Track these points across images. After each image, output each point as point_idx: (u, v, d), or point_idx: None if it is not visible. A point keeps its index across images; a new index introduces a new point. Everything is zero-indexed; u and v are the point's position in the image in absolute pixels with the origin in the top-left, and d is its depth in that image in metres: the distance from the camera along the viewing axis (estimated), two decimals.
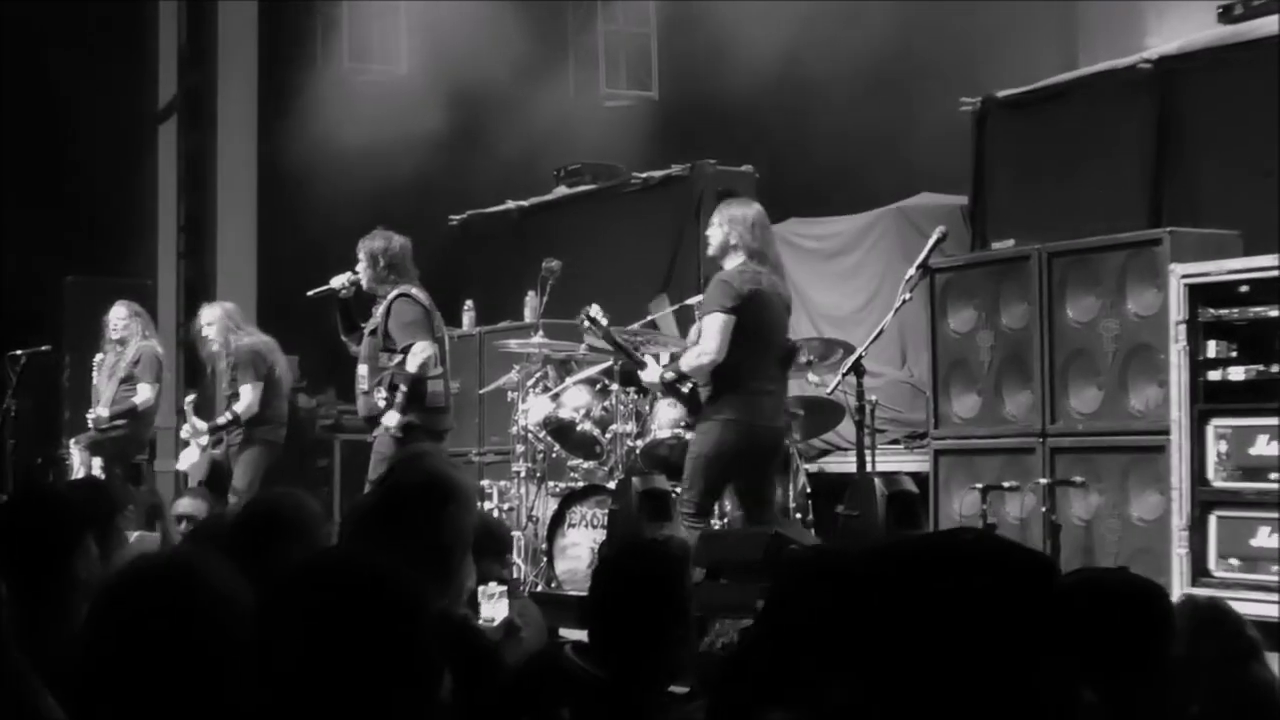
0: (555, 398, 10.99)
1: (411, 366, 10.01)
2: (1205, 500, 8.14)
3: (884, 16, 13.80)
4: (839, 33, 13.72)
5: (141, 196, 16.40)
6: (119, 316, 12.95)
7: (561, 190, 15.80)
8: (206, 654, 2.74)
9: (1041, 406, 9.16)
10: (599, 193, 15.19)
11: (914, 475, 9.68)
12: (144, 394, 12.81)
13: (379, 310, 10.25)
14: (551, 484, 11.11)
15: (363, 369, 10.30)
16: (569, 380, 11.10)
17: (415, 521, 4.42)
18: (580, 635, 4.62)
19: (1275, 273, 7.84)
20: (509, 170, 15.98)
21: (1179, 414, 8.21)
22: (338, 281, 10.41)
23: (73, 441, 13.17)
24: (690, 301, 11.89)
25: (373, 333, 10.24)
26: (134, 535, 10.08)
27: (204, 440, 12.16)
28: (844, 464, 11.48)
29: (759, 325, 9.18)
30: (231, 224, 16.28)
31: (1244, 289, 7.99)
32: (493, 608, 6.06)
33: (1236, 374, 8.04)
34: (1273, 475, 7.84)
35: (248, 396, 11.91)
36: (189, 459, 12.29)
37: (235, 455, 11.99)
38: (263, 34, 16.51)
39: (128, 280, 15.37)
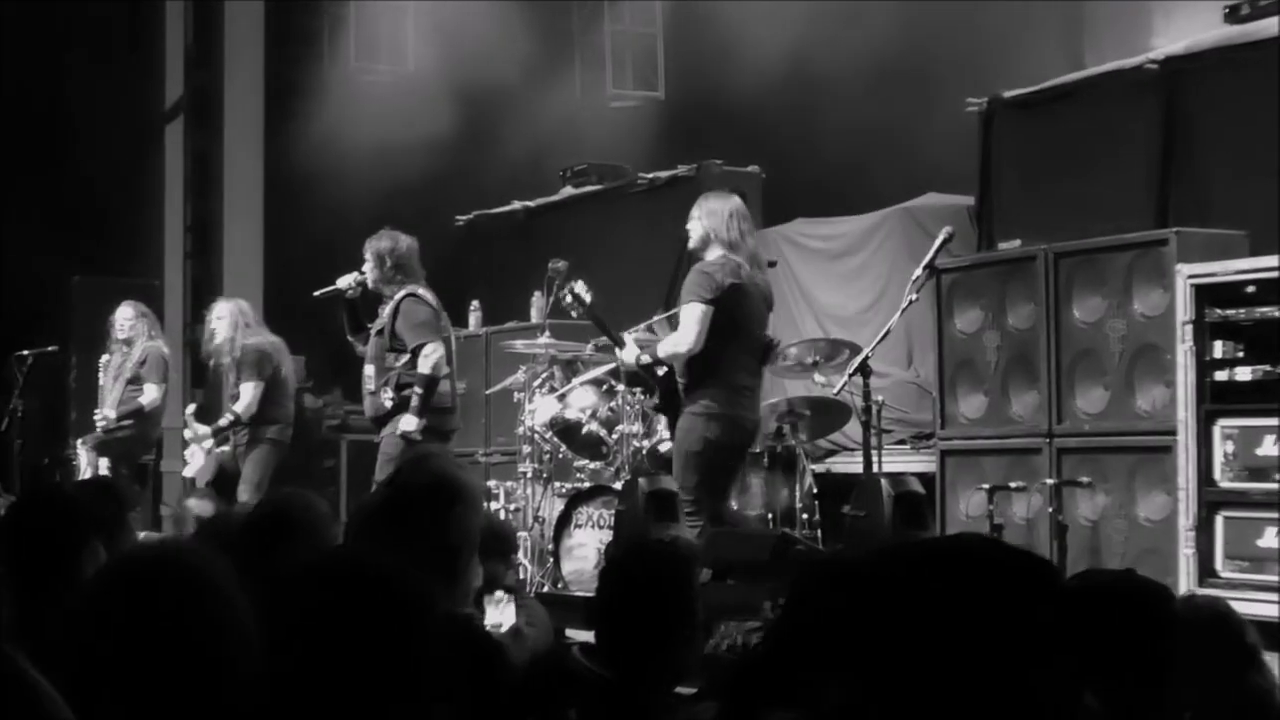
0: (562, 398, 10.99)
1: (425, 368, 10.01)
2: (1212, 501, 8.14)
3: (890, 16, 13.79)
4: (845, 32, 13.71)
5: (148, 197, 16.41)
6: (125, 317, 12.95)
7: (568, 190, 15.81)
8: (199, 646, 2.74)
9: (1048, 407, 9.16)
10: (605, 193, 15.19)
11: (920, 476, 9.67)
12: (150, 394, 12.81)
13: (386, 310, 10.24)
14: (558, 485, 11.11)
15: (369, 369, 10.29)
16: (575, 381, 11.09)
17: (422, 522, 4.42)
18: (587, 636, 4.62)
19: None
20: (515, 170, 15.99)
21: (1185, 414, 8.20)
22: (344, 282, 10.41)
23: (79, 442, 13.18)
24: None
25: (379, 333, 10.23)
26: (140, 535, 10.13)
27: (207, 445, 12.14)
28: (850, 464, 11.46)
29: (737, 318, 9.20)
30: (238, 224, 16.29)
31: (1250, 289, 7.98)
32: (499, 613, 6.07)
33: (1243, 374, 8.04)
34: (1278, 476, 7.84)
35: (247, 395, 11.89)
36: (194, 465, 12.29)
37: (242, 456, 11.98)
38: (269, 34, 16.52)
39: (134, 280, 15.38)
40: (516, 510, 11.41)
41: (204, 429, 12.16)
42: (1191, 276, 8.19)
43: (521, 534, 10.86)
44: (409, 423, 9.95)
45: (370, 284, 10.35)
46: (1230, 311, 8.06)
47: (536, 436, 11.30)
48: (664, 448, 10.38)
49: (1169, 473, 8.40)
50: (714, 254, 9.26)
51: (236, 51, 16.38)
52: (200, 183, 16.45)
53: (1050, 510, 8.96)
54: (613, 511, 10.09)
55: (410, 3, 16.61)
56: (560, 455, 11.23)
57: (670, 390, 9.33)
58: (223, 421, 12.00)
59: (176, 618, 2.74)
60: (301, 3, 16.79)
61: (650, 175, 14.97)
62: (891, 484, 9.10)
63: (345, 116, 15.46)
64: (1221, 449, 8.11)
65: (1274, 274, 7.87)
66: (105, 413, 12.77)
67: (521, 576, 10.55)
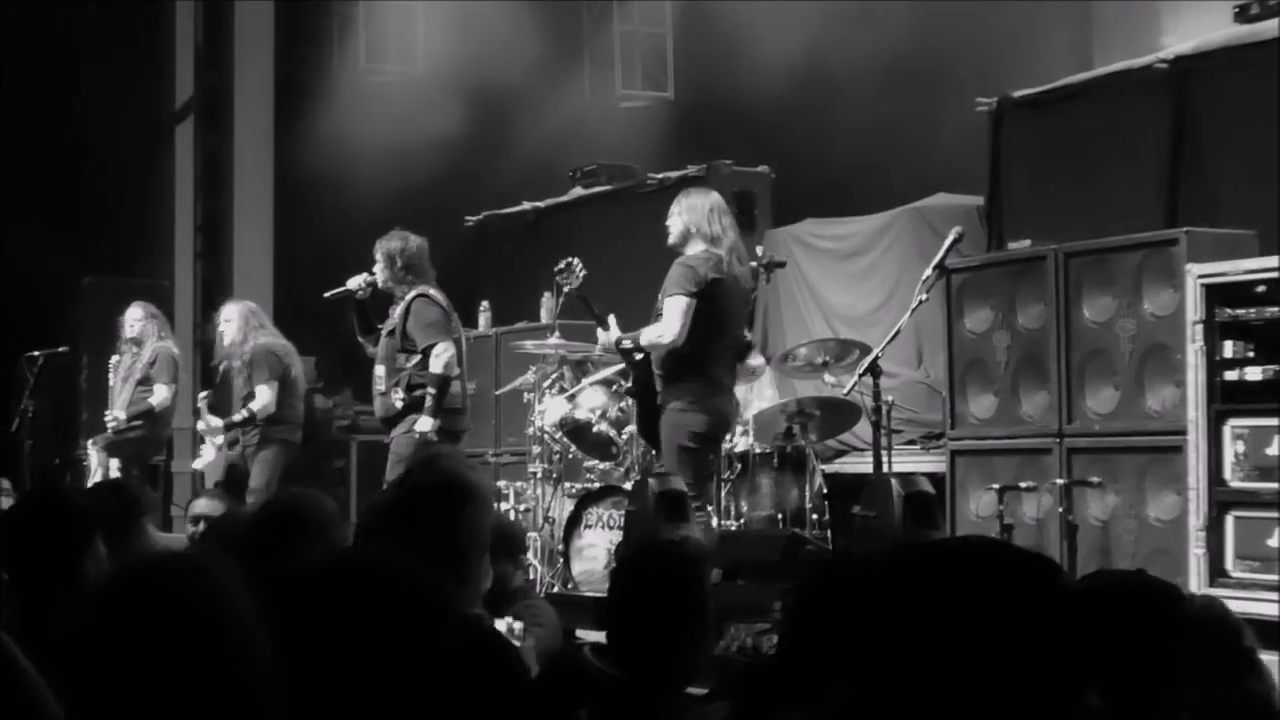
0: (571, 399, 10.99)
1: (436, 368, 10.01)
2: (1222, 500, 8.12)
3: (899, 17, 13.80)
4: (855, 33, 13.72)
5: (158, 197, 16.42)
6: (134, 317, 12.97)
7: (577, 191, 15.81)
8: (201, 653, 2.74)
9: (1058, 407, 9.15)
10: (615, 194, 15.20)
11: (930, 476, 9.67)
12: (160, 395, 12.82)
13: (396, 311, 10.24)
14: (568, 485, 11.11)
15: (380, 370, 10.29)
16: (585, 381, 11.10)
17: (432, 522, 4.42)
18: (597, 637, 4.62)
19: None
20: (525, 171, 16.00)
21: (1196, 414, 8.19)
22: (354, 282, 10.41)
23: (90, 442, 13.19)
24: None
25: (390, 333, 10.23)
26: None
27: (220, 439, 12.14)
28: (860, 464, 11.46)
29: (718, 314, 9.24)
30: (248, 225, 16.29)
31: (1261, 289, 7.97)
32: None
33: (1254, 374, 8.02)
34: None
35: (265, 396, 11.89)
36: (205, 459, 12.30)
37: (251, 456, 11.98)
38: (279, 34, 16.52)
39: (145, 281, 15.39)
40: (526, 511, 11.41)
41: (216, 421, 12.15)
42: (1201, 276, 8.18)
43: (531, 534, 10.87)
44: (424, 423, 9.95)
45: (380, 285, 10.35)
46: (1240, 311, 8.05)
47: (546, 437, 11.31)
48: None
49: (1179, 473, 8.39)
50: (695, 248, 9.29)
51: (246, 52, 16.37)
52: (210, 183, 16.45)
53: (1060, 510, 8.95)
54: (623, 512, 10.09)
55: (420, 3, 16.62)
56: (570, 456, 11.24)
57: (645, 376, 9.37)
58: (237, 417, 11.98)
59: (179, 625, 2.74)
60: (311, 3, 16.80)
61: (660, 175, 14.97)
62: (902, 484, 9.11)
63: (355, 117, 15.48)
64: (1232, 449, 8.11)
65: None
66: (115, 414, 12.78)
67: (531, 577, 10.56)
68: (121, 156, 15.75)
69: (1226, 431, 8.12)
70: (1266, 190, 9.56)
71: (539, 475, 11.36)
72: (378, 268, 10.33)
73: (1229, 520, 8.12)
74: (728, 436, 10.24)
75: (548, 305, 12.49)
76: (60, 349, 13.57)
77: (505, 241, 16.46)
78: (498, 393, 13.04)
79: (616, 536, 10.18)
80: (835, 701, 3.57)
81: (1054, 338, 9.17)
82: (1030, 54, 13.30)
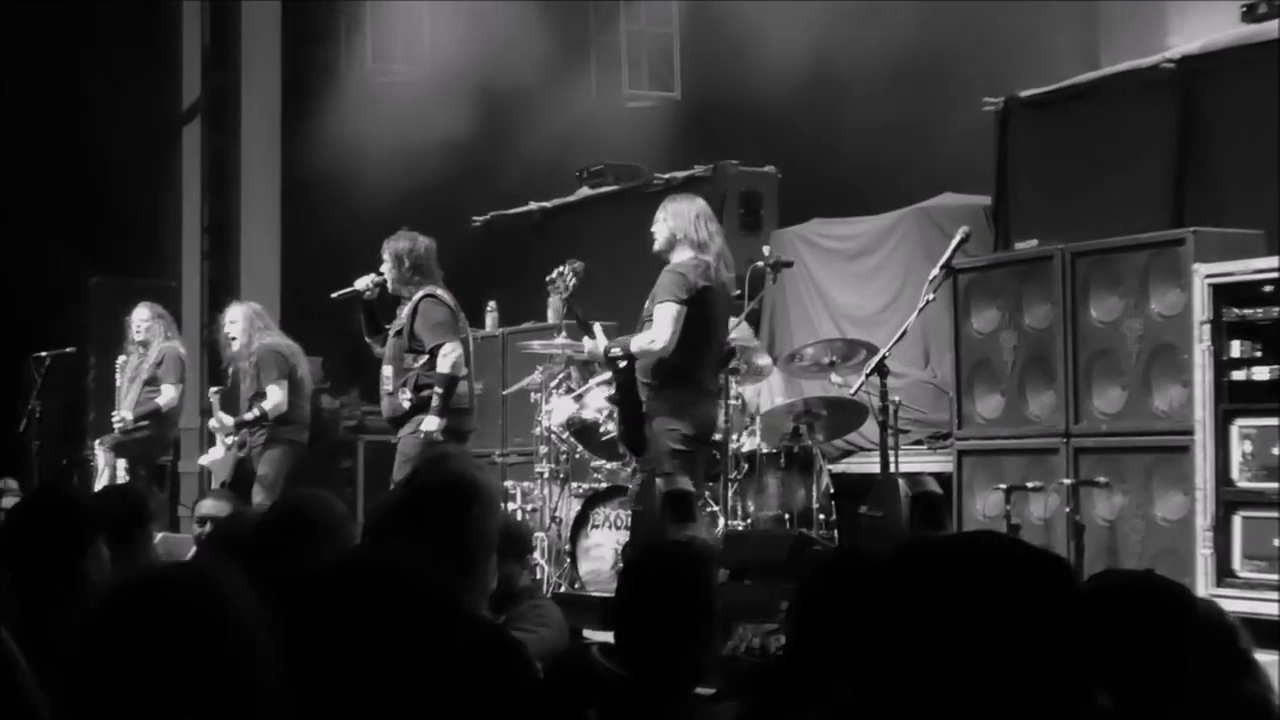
0: (578, 399, 10.98)
1: (444, 368, 10.01)
2: (1229, 500, 8.12)
3: (906, 17, 13.79)
4: (861, 33, 13.71)
5: (166, 198, 16.45)
6: (141, 318, 12.98)
7: (584, 191, 15.82)
8: (204, 664, 2.75)
9: (1065, 407, 9.15)
10: (622, 194, 15.19)
11: (937, 476, 9.67)
12: (168, 395, 12.83)
13: (404, 311, 10.25)
14: (575, 485, 11.11)
15: (387, 370, 10.30)
16: (592, 381, 11.08)
17: (439, 522, 4.42)
18: (604, 637, 4.62)
19: None
20: (532, 171, 16.01)
21: (1203, 414, 8.19)
22: (362, 283, 10.42)
23: (97, 443, 13.21)
24: None
25: (398, 334, 10.24)
26: (159, 536, 10.15)
27: (230, 438, 12.15)
28: (867, 464, 11.45)
29: (707, 321, 9.32)
30: (255, 225, 16.32)
31: (1268, 288, 7.98)
32: None
33: (1261, 374, 8.03)
34: None
35: (276, 395, 11.89)
36: (214, 456, 12.31)
37: (258, 456, 11.98)
38: (286, 35, 16.55)
39: (152, 281, 15.41)
40: (533, 511, 11.41)
41: (229, 419, 12.15)
42: (1209, 276, 8.18)
43: (538, 534, 10.87)
44: (431, 423, 9.96)
45: (388, 285, 10.35)
46: (1248, 311, 8.05)
47: (553, 437, 11.30)
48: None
49: (1186, 472, 8.39)
50: (682, 255, 9.35)
51: (253, 53, 16.40)
52: (217, 183, 16.48)
53: (1067, 510, 8.95)
54: (629, 512, 10.10)
55: (426, 3, 16.63)
56: (577, 455, 11.23)
57: (628, 384, 9.40)
58: (248, 416, 11.98)
59: (181, 638, 2.74)
60: (318, 4, 16.82)
61: (666, 176, 14.98)
62: (909, 484, 9.11)
63: (362, 117, 15.50)
64: (1239, 449, 8.11)
65: None
66: (122, 414, 12.79)
67: (538, 577, 10.56)
68: (129, 157, 15.77)
69: (1234, 431, 8.13)
70: (1273, 190, 9.54)
71: (546, 475, 11.36)
72: (385, 268, 10.34)
73: (1236, 520, 8.12)
74: (734, 436, 10.30)
75: (554, 305, 12.49)
76: (67, 350, 13.59)
77: (512, 242, 16.46)
78: (505, 393, 13.04)
79: (623, 536, 10.18)
80: (842, 700, 3.58)
81: (1061, 338, 9.18)
82: (1037, 54, 13.28)
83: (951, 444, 10.08)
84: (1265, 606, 7.56)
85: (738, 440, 10.56)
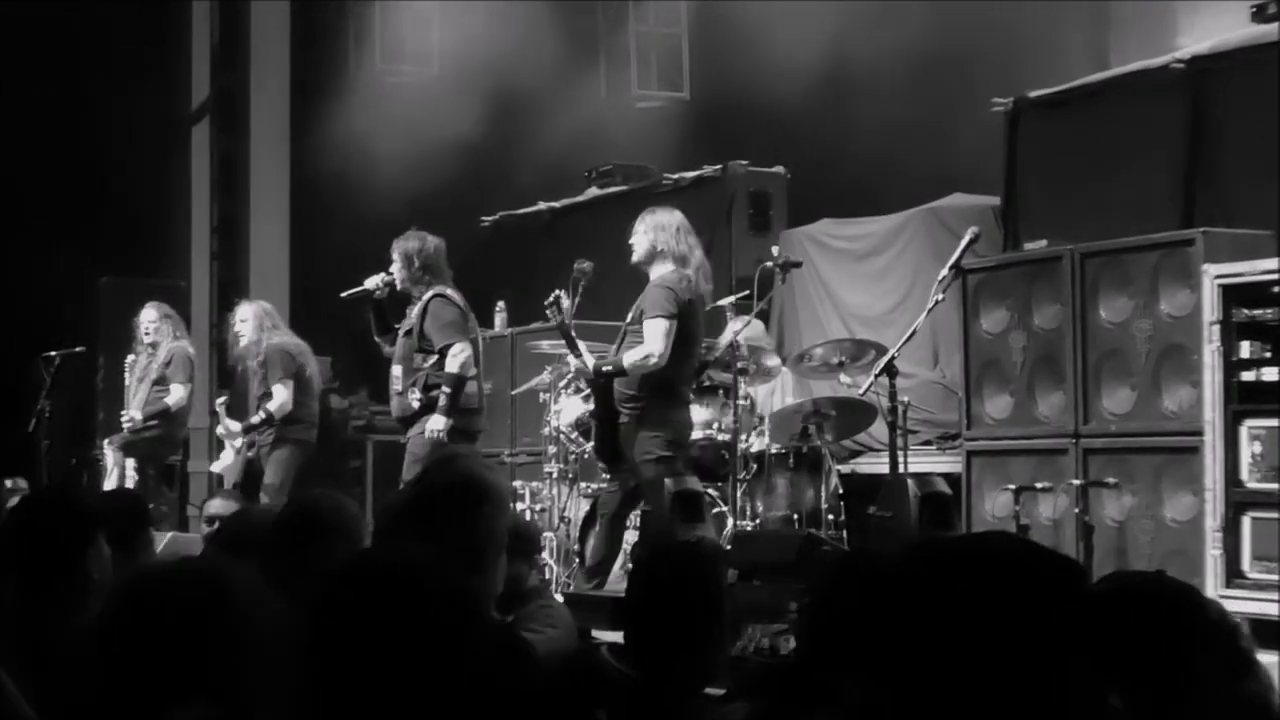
0: (587, 399, 10.99)
1: (453, 367, 10.03)
2: (1239, 501, 8.11)
3: (915, 17, 13.78)
4: (870, 33, 13.71)
5: (175, 198, 16.45)
6: (149, 319, 12.99)
7: (593, 191, 15.82)
8: (226, 655, 2.75)
9: (1074, 407, 9.14)
10: (631, 194, 15.18)
11: (946, 476, 9.66)
12: (176, 394, 12.85)
13: (414, 311, 10.26)
14: (583, 485, 11.11)
15: (397, 370, 10.31)
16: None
17: (448, 522, 4.42)
18: (613, 636, 4.62)
19: None
20: (541, 171, 16.02)
21: (1213, 415, 8.18)
22: (372, 282, 10.43)
23: (106, 442, 13.22)
24: (722, 303, 11.92)
25: (407, 333, 10.25)
26: (168, 536, 10.17)
27: (238, 442, 12.17)
28: (876, 465, 11.46)
29: (689, 334, 9.54)
30: (264, 225, 16.32)
31: (1277, 289, 7.96)
32: None
33: (1270, 375, 8.01)
34: None
35: (281, 395, 11.91)
36: (224, 462, 12.33)
37: (266, 455, 12.00)
38: (295, 35, 16.55)
39: (161, 281, 15.42)
40: (542, 510, 11.42)
41: (235, 425, 12.18)
42: (1218, 277, 8.17)
43: (547, 534, 10.88)
44: (437, 422, 9.97)
45: (398, 285, 10.36)
46: (1257, 311, 8.04)
47: (562, 437, 11.31)
48: (695, 437, 10.51)
49: (1196, 473, 8.38)
50: (663, 268, 9.55)
51: (262, 53, 16.40)
52: (226, 184, 16.48)
53: (1076, 511, 8.94)
54: (638, 512, 10.11)
55: (435, 4, 16.63)
56: (586, 455, 11.23)
57: (606, 398, 9.57)
58: (255, 419, 12.01)
59: (185, 636, 2.74)
60: (327, 4, 16.82)
61: (676, 176, 14.99)
62: (918, 484, 9.11)
63: (371, 118, 15.50)
64: (1248, 449, 8.09)
65: None
66: (131, 414, 12.80)
67: (546, 576, 10.56)
68: (138, 157, 15.78)
69: (1243, 432, 8.11)
70: None
71: (554, 475, 11.37)
72: (395, 268, 10.35)
73: (1245, 521, 8.11)
74: (743, 436, 10.33)
75: (565, 304, 12.49)
76: (77, 349, 13.59)
77: (521, 242, 16.47)
78: (513, 393, 13.04)
79: (633, 537, 10.19)
80: (852, 701, 3.57)
81: (1070, 338, 9.17)
82: (1046, 54, 13.28)
83: (960, 444, 10.07)
84: (1274, 607, 7.55)
85: (746, 440, 10.57)
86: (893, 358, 9.36)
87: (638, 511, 9.93)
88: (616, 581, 9.83)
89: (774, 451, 10.56)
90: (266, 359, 12.01)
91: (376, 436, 14.78)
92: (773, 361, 11.29)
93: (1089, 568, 8.61)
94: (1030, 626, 2.30)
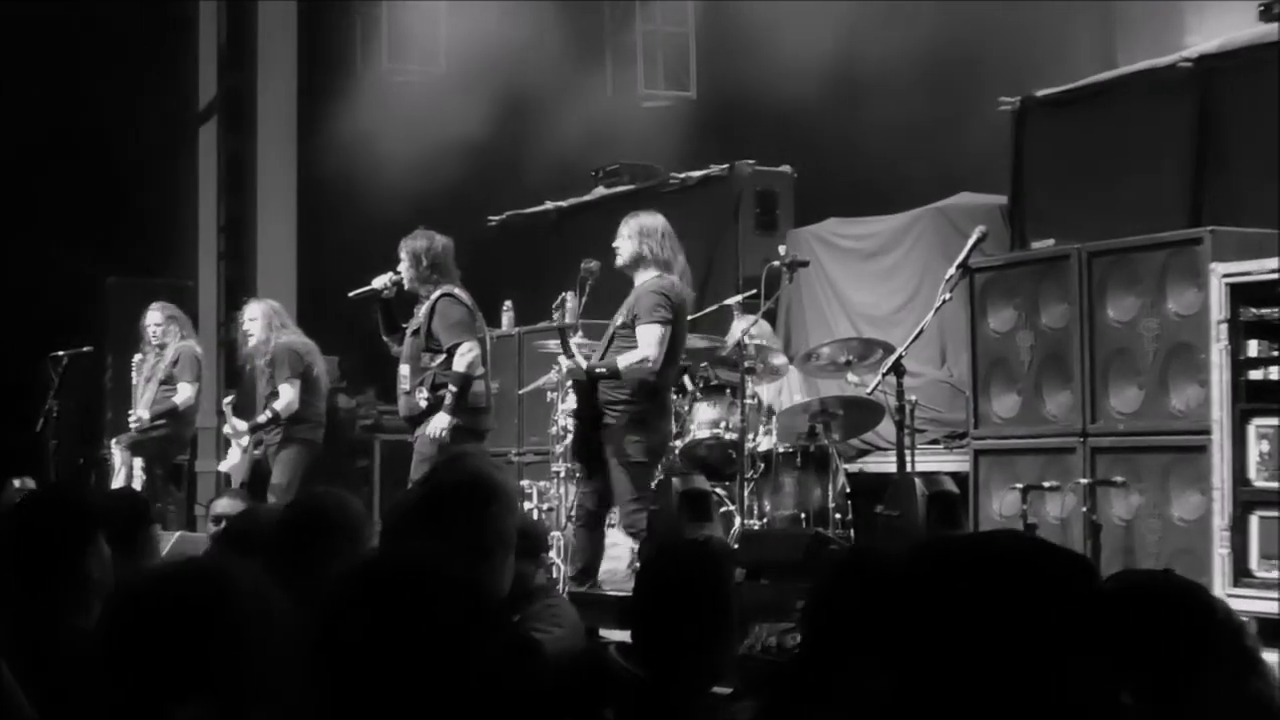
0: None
1: (460, 366, 10.03)
2: (1247, 500, 8.10)
3: (922, 16, 13.78)
4: (877, 33, 13.70)
5: (182, 198, 16.47)
6: (154, 322, 13.00)
7: (600, 191, 15.83)
8: (230, 655, 2.75)
9: (1082, 406, 9.13)
10: (637, 193, 15.18)
11: (954, 475, 9.67)
12: (184, 393, 12.85)
13: (422, 310, 10.26)
14: None
15: (404, 369, 10.31)
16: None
17: (456, 521, 4.42)
18: (620, 636, 4.62)
19: None
20: (547, 171, 16.02)
21: (1220, 414, 8.17)
22: (380, 282, 10.43)
23: (114, 442, 13.23)
24: (729, 302, 11.93)
25: (415, 333, 10.25)
26: (176, 535, 10.18)
27: (245, 441, 12.18)
28: (883, 464, 11.45)
29: (679, 341, 9.68)
30: (272, 225, 16.34)
31: None
32: None
33: (1277, 373, 8.00)
34: None
35: (287, 394, 11.92)
36: (230, 461, 12.34)
37: (273, 455, 12.00)
38: (302, 35, 16.57)
39: (168, 281, 15.44)
40: (549, 510, 11.41)
41: (242, 424, 12.19)
42: (1226, 275, 8.15)
43: (555, 533, 10.87)
44: (441, 420, 9.98)
45: (406, 284, 10.37)
46: (1265, 311, 8.03)
47: (569, 436, 11.30)
48: (702, 437, 10.54)
49: (1203, 472, 8.37)
50: (645, 273, 9.65)
51: (269, 53, 16.43)
52: (233, 183, 16.50)
53: (1084, 510, 8.93)
54: (617, 510, 10.11)
55: (442, 3, 16.63)
56: None
57: (590, 400, 9.63)
58: (261, 419, 12.02)
59: (191, 637, 2.74)
60: (333, 4, 16.83)
61: (682, 175, 15.01)
62: (925, 483, 9.11)
63: (377, 117, 15.50)
64: (1256, 448, 8.08)
65: None
66: (139, 413, 12.81)
67: (554, 575, 10.55)
68: (145, 157, 15.80)
69: (1251, 431, 8.10)
70: None
71: (562, 474, 11.35)
72: (403, 267, 10.35)
73: (1253, 520, 8.09)
74: (750, 436, 10.36)
75: (570, 305, 12.49)
76: (85, 349, 13.61)
77: (528, 241, 16.48)
78: (521, 392, 13.04)
79: (615, 536, 10.20)
80: (860, 699, 3.57)
81: (1078, 337, 9.16)
82: (1054, 53, 13.28)
83: (968, 443, 10.06)
84: None
85: (754, 439, 10.58)
86: (900, 357, 9.37)
87: (616, 510, 9.95)
88: (623, 581, 9.84)
89: (781, 450, 10.56)
90: (274, 358, 12.02)
91: (384, 436, 14.78)
92: (780, 360, 11.28)
93: (1097, 567, 8.60)
94: (1041, 624, 2.30)
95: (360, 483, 14.51)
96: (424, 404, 10.10)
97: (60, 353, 13.33)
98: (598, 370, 9.50)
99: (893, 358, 9.40)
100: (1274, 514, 8.01)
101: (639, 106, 17.38)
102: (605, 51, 17.59)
